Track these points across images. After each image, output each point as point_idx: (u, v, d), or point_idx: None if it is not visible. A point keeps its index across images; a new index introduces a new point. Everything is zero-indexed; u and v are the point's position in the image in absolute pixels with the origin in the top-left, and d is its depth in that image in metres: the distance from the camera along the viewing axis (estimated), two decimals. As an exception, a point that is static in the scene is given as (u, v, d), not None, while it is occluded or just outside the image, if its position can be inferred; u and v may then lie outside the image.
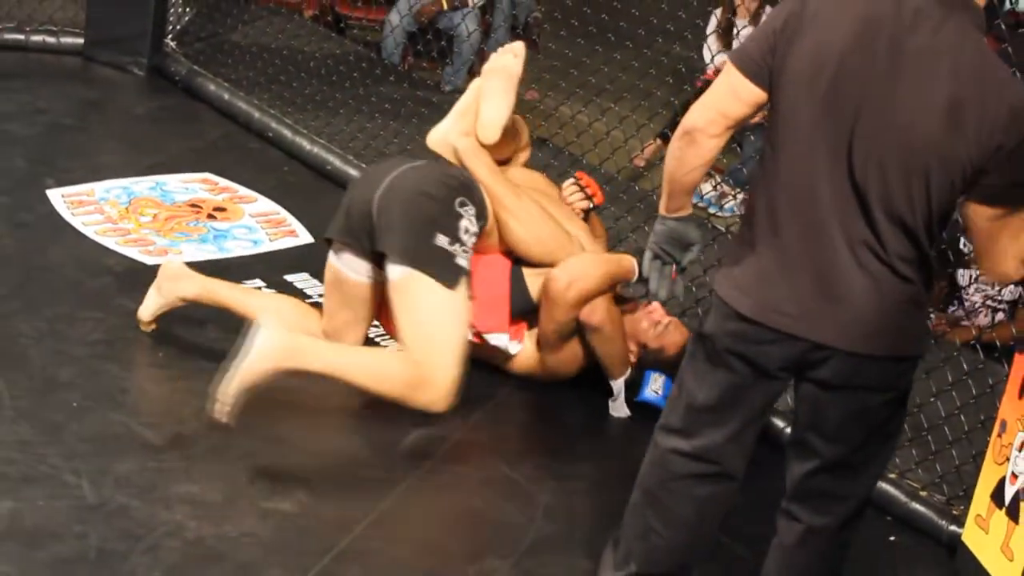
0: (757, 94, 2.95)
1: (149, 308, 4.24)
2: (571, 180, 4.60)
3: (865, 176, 2.83)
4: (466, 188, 4.12)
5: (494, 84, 4.27)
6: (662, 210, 3.18)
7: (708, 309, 3.11)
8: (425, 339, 3.91)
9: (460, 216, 4.04)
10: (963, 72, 2.77)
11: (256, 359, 3.62)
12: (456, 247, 4.01)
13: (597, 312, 4.25)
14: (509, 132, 4.35)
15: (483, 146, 4.26)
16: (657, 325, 4.42)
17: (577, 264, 4.23)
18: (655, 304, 4.44)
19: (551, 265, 4.23)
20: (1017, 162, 2.78)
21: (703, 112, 2.99)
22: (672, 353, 4.42)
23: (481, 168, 4.20)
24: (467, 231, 4.05)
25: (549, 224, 4.28)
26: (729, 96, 2.97)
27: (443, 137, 4.27)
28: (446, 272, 3.99)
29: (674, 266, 3.22)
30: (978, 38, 2.80)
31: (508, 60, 4.31)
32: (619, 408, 4.42)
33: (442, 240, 4.00)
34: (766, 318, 2.96)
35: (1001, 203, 2.81)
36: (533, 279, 4.28)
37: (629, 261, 4.31)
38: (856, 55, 2.82)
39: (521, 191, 4.27)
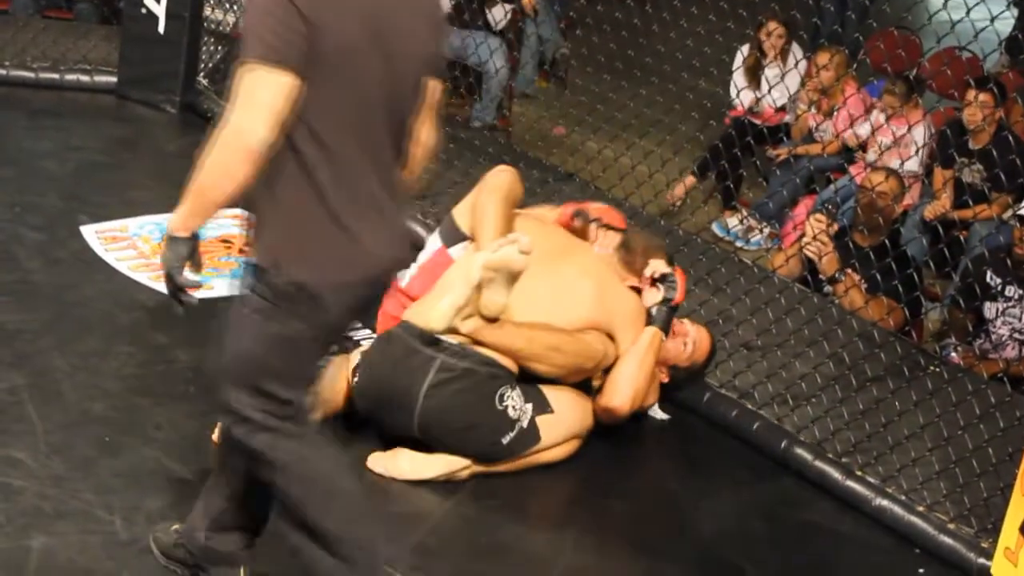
0: (298, 84, 2.86)
1: None
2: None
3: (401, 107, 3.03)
4: (492, 375, 4.03)
5: (496, 280, 3.99)
6: (185, 230, 3.01)
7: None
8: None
9: (506, 409, 4.02)
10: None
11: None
12: (518, 423, 4.04)
13: (651, 399, 4.47)
14: None
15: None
16: (687, 346, 4.48)
17: (627, 384, 4.26)
18: (683, 326, 4.48)
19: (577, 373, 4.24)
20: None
21: (261, 121, 2.84)
22: (702, 360, 4.58)
23: (495, 338, 4.05)
24: (515, 407, 4.03)
25: (565, 348, 4.16)
26: (278, 97, 2.85)
27: (446, 322, 3.99)
28: (525, 442, 4.07)
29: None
30: None
31: (513, 256, 3.97)
32: (656, 411, 4.57)
33: (508, 437, 4.03)
34: (368, 273, 3.04)
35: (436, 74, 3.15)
36: None
37: (657, 336, 4.35)
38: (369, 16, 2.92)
39: (528, 331, 4.11)
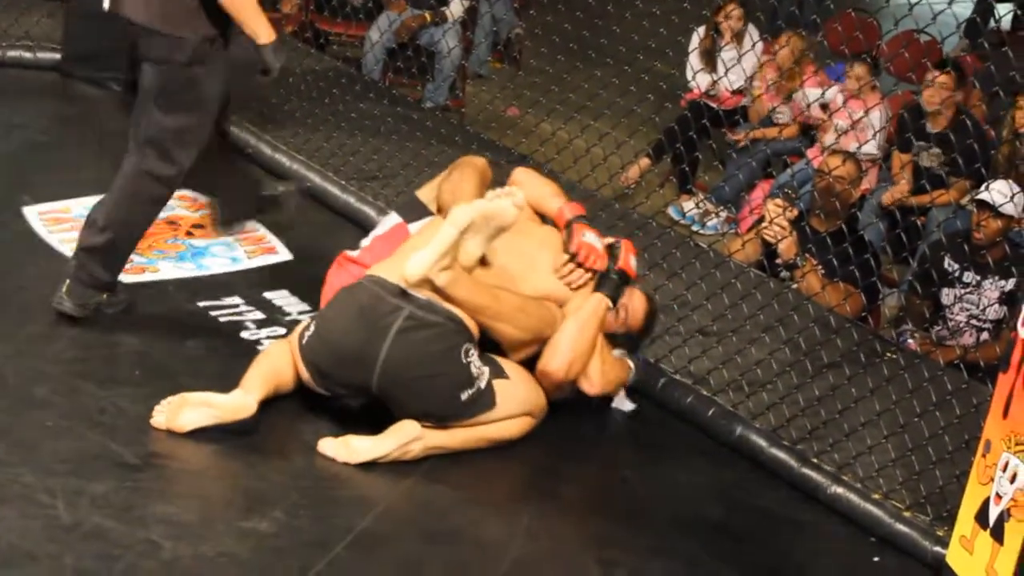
0: None
1: (193, 422, 3.90)
2: (567, 260, 4.36)
3: None
4: (457, 330, 4.00)
5: (481, 231, 4.00)
6: None
7: None
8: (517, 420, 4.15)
9: (469, 364, 3.99)
10: None
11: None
12: (477, 381, 4.00)
13: (596, 385, 4.33)
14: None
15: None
16: (619, 313, 4.40)
17: (566, 346, 4.20)
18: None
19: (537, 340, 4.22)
20: None
21: None
22: (639, 321, 4.50)
23: (463, 293, 4.01)
24: (476, 365, 4.01)
25: (530, 310, 4.18)
26: None
27: (423, 274, 3.96)
28: (481, 403, 4.02)
29: None
30: None
31: (507, 207, 4.01)
32: (621, 403, 4.52)
33: (466, 394, 3.99)
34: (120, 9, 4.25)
35: None
36: None
37: (601, 303, 4.29)
38: None
39: (497, 290, 4.12)
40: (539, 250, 4.35)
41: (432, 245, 3.96)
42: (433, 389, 3.96)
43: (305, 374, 4.05)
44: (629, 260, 4.38)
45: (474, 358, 4.00)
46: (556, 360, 4.20)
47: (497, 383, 4.04)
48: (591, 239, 4.35)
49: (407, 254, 4.09)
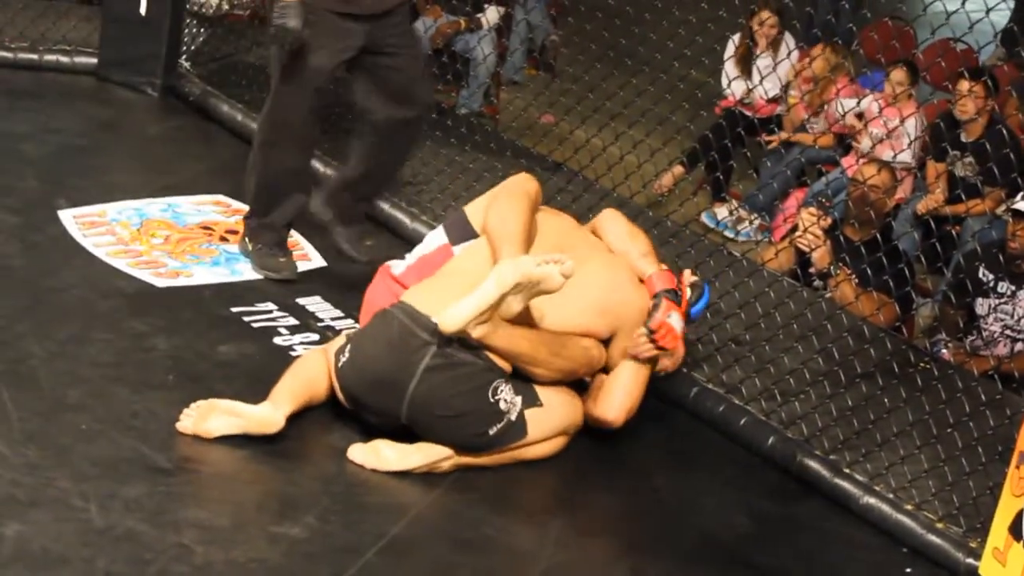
0: None
1: (220, 430, 3.91)
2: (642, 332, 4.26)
3: None
4: (487, 367, 3.97)
5: (525, 291, 3.90)
6: None
7: None
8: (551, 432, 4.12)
9: (498, 402, 3.96)
10: None
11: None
12: (506, 415, 3.98)
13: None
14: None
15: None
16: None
17: (624, 398, 4.21)
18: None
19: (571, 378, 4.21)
20: None
21: None
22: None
23: (499, 343, 3.96)
24: (507, 400, 3.98)
25: (566, 355, 4.12)
26: None
27: (460, 328, 3.88)
28: (512, 435, 4.01)
29: None
30: None
31: (555, 277, 3.89)
32: None
33: (495, 428, 3.97)
34: None
35: None
36: None
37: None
38: None
39: (533, 337, 4.05)
40: (584, 284, 4.18)
41: (472, 300, 3.87)
42: (460, 427, 3.95)
43: (340, 395, 4.06)
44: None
45: (504, 394, 3.97)
46: (613, 411, 4.21)
47: (529, 413, 4.01)
48: (675, 322, 4.26)
49: (444, 281, 4.09)
